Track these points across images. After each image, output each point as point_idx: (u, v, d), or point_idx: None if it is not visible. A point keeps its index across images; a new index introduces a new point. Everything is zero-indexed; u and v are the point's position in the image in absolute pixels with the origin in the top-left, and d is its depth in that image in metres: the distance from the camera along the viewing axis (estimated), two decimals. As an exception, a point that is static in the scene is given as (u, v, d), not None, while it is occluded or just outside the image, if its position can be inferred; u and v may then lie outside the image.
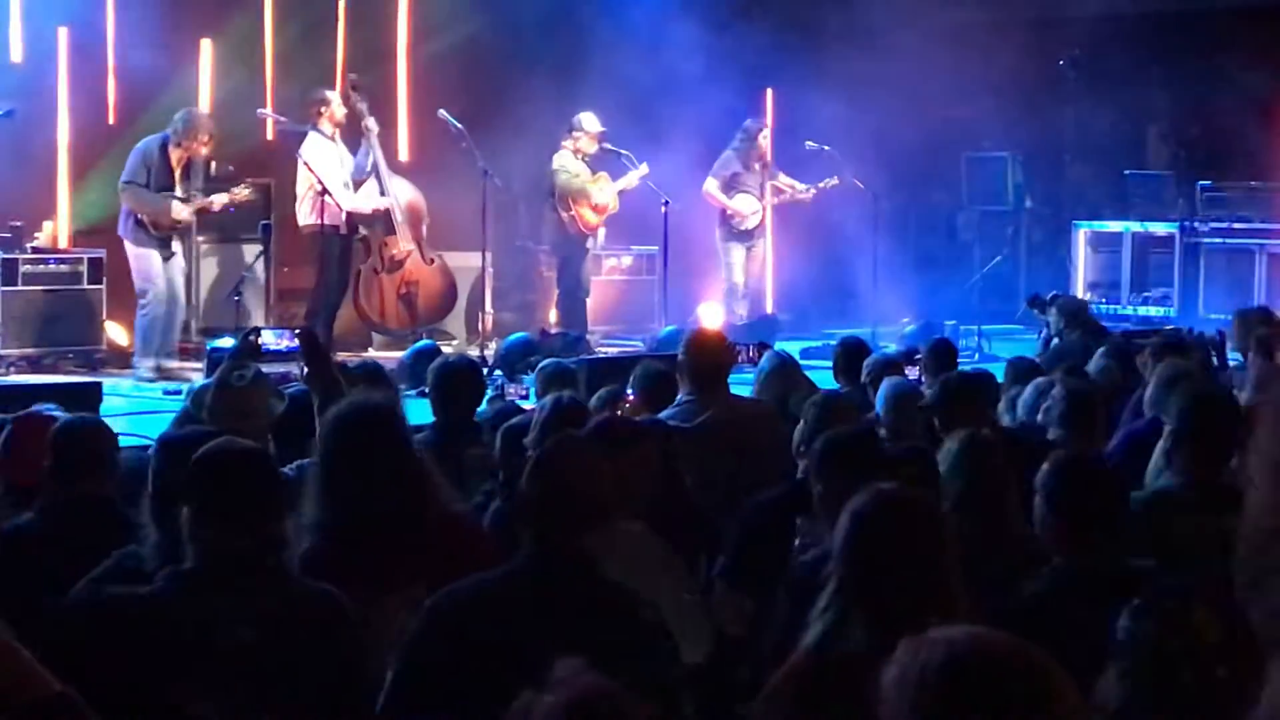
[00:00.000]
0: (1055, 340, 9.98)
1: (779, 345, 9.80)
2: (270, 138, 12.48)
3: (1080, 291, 15.55)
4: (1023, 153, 16.26)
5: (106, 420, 5.26)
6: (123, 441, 5.27)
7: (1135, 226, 15.44)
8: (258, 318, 11.77)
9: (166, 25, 12.34)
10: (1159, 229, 15.28)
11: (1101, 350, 7.96)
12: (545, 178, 12.60)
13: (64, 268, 11.21)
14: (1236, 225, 14.80)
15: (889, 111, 14.30)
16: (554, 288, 12.73)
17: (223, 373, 5.32)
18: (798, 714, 3.25)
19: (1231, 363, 8.74)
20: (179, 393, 9.13)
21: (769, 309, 13.79)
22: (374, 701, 3.57)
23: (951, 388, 6.04)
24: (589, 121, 12.50)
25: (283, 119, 12.16)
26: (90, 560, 4.11)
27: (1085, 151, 16.61)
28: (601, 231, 13.03)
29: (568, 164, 12.46)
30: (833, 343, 8.33)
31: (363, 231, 11.91)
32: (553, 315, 12.68)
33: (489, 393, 7.68)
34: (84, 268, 11.14)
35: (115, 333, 11.41)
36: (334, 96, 11.71)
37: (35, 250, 11.27)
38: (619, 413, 6.05)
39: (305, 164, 11.38)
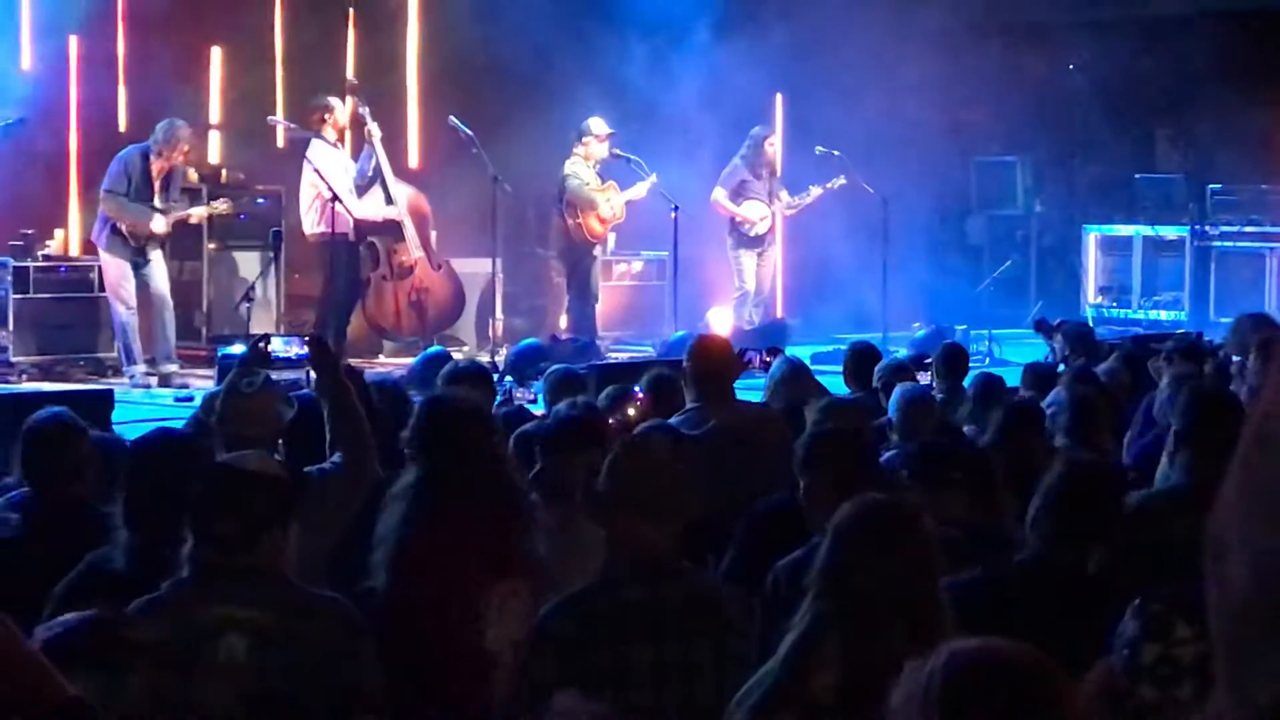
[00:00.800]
0: (1061, 367, 9.96)
1: (790, 350, 9.79)
2: (280, 145, 12.50)
3: (1091, 295, 15.54)
4: (1032, 157, 16.25)
5: (86, 422, 5.07)
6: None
7: (1146, 230, 15.41)
8: (268, 324, 11.76)
9: (176, 34, 12.36)
10: (1169, 232, 15.25)
11: (1112, 355, 7.95)
12: (555, 184, 12.59)
13: (75, 276, 11.25)
14: (1247, 228, 14.78)
15: (898, 116, 14.29)
16: (564, 293, 12.71)
17: (232, 379, 5.31)
18: None
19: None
20: (190, 399, 9.16)
21: (779, 314, 13.79)
22: (382, 710, 3.57)
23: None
24: (597, 125, 12.47)
25: (293, 126, 12.17)
26: (64, 563, 4.09)
27: (1095, 155, 16.58)
28: (611, 237, 13.04)
29: (579, 171, 12.43)
30: (843, 348, 8.33)
31: (370, 239, 11.93)
32: (563, 321, 12.67)
33: (498, 398, 7.68)
34: (94, 276, 11.15)
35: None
36: (336, 103, 11.70)
37: (46, 258, 11.30)
38: (630, 412, 6.05)
39: (315, 170, 11.37)
